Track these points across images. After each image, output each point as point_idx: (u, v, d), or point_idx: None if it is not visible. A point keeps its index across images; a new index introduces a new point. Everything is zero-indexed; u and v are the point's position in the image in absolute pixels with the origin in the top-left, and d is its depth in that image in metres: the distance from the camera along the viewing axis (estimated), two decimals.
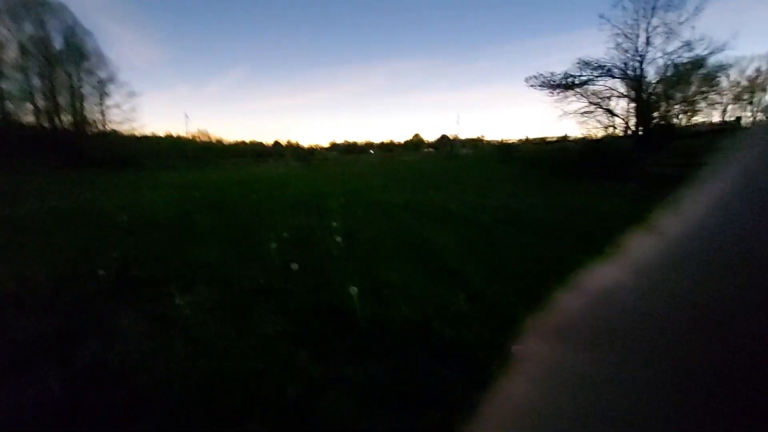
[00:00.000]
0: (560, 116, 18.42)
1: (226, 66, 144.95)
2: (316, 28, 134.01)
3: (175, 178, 14.49)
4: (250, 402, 1.71)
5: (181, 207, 7.46)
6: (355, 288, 2.43)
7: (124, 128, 24.40)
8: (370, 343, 2.17)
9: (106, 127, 23.81)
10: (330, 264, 3.57)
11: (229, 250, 4.37)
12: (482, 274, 3.20)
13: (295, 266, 3.18)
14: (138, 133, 25.49)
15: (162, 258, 3.98)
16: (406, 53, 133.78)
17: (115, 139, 23.43)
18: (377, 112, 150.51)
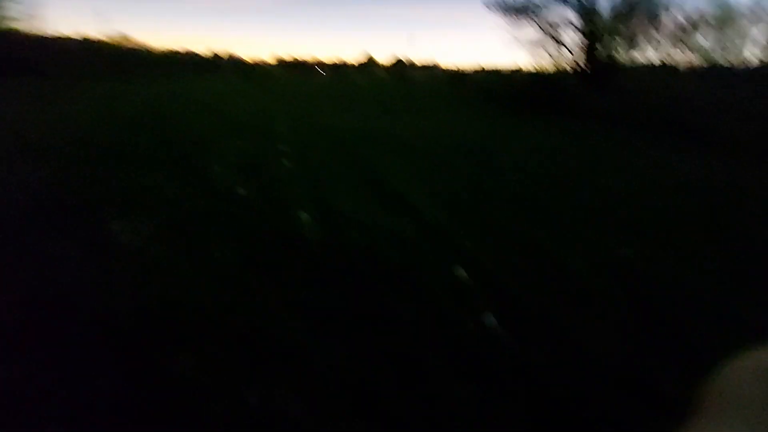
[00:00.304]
0: (514, 45, 18.16)
1: None
2: None
3: (97, 90, 12.62)
4: (201, 328, 1.74)
5: (110, 125, 6.67)
6: (305, 214, 2.47)
7: (24, 26, 19.64)
8: (321, 269, 2.25)
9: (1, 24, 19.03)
10: (279, 189, 3.52)
11: (169, 173, 4.11)
12: (433, 204, 3.35)
13: (242, 191, 3.11)
14: (41, 32, 20.66)
15: (93, 182, 3.65)
16: None
17: (15, 38, 18.98)
18: (325, 23, 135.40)
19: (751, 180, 4.56)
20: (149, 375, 1.49)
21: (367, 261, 2.36)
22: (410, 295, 2.04)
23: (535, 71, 18.52)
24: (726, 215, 3.39)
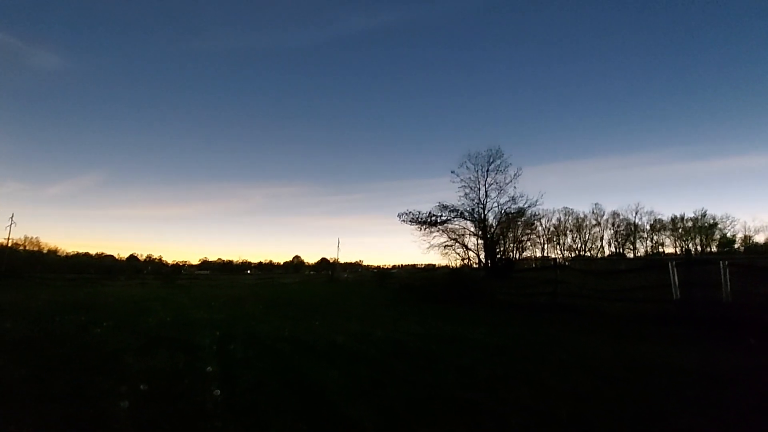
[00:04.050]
0: (427, 248, 21.45)
1: (80, 166, 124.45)
2: (192, 140, 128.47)
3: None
4: None
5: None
6: None
7: None
8: None
9: None
10: (205, 427, 3.02)
11: (52, 412, 3.36)
12: (378, 422, 3.13)
13: None
14: None
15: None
16: (285, 178, 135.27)
17: None
18: (257, 232, 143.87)
19: (646, 356, 5.16)
20: None
21: None
22: None
23: (446, 267, 21.41)
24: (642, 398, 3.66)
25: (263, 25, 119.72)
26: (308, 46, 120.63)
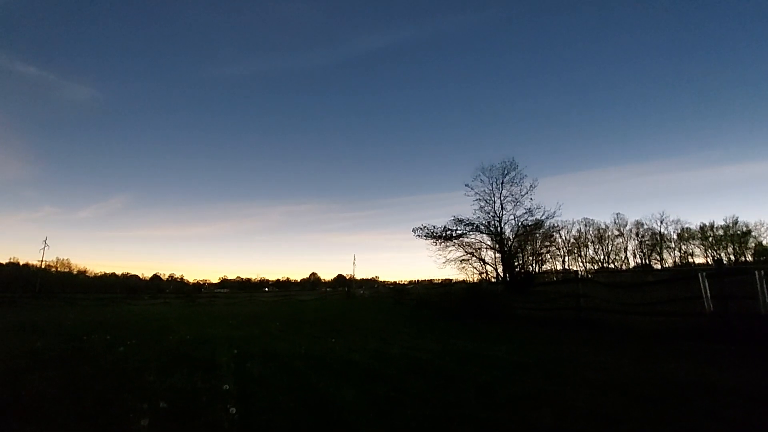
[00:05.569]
0: (443, 263, 21.22)
1: (108, 190, 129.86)
2: (210, 162, 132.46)
3: (9, 319, 11.38)
4: None
5: (9, 362, 5.80)
6: None
7: None
8: None
9: None
10: None
11: (78, 429, 3.43)
12: None
13: None
14: None
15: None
16: (301, 196, 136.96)
17: None
18: (274, 250, 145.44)
19: (661, 372, 4.89)
20: None
21: None
22: None
23: (464, 281, 21.12)
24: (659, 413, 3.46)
25: (279, 48, 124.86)
26: (322, 65, 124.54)
